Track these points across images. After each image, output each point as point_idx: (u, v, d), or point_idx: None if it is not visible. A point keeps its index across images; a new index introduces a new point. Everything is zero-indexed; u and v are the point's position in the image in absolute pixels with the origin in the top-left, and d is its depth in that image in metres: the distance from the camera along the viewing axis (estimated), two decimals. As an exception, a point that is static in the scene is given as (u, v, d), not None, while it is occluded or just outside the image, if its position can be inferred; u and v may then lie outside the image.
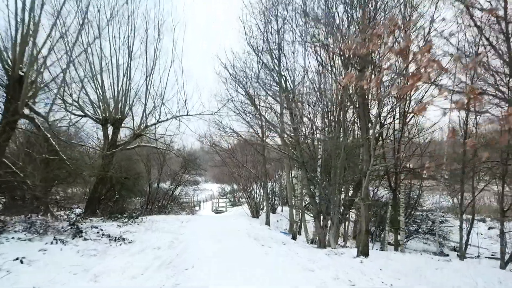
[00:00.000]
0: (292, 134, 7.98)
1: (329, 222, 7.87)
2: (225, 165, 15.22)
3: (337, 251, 6.43)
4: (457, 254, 16.23)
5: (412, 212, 15.17)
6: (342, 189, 7.68)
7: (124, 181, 14.29)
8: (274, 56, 8.11)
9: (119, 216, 9.99)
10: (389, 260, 5.62)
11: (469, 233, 12.71)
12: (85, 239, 6.01)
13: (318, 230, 7.65)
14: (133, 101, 10.51)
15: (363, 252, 5.77)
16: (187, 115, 9.43)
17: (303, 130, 8.52)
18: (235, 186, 26.07)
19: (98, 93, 9.62)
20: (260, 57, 7.72)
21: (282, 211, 18.50)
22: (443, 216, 17.95)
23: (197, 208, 25.26)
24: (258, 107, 9.96)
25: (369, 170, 5.56)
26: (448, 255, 15.94)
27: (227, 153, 14.71)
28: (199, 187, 45.85)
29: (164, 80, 10.33)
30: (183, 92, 8.69)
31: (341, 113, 7.82)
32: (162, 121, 9.85)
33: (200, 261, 4.86)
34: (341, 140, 7.30)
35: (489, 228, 21.63)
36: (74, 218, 9.26)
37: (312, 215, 7.76)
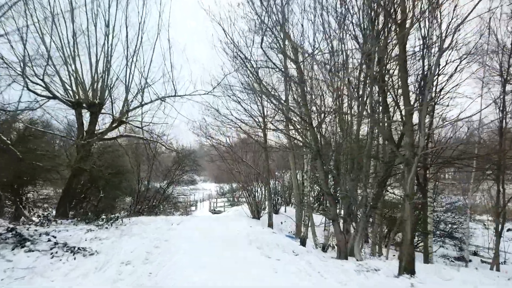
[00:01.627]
0: (302, 116, 6.36)
1: (352, 226, 6.28)
2: (223, 160, 13.62)
3: (367, 265, 4.85)
4: (481, 260, 14.75)
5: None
6: (369, 185, 6.10)
7: (109, 177, 12.73)
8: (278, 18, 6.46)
9: (95, 218, 8.39)
10: (446, 281, 4.04)
11: (499, 236, 11.13)
12: (30, 251, 4.42)
13: (338, 236, 6.07)
14: (113, 83, 8.89)
15: (408, 269, 4.19)
16: (175, 95, 7.82)
17: (320, 105, 6.89)
18: (234, 185, 24.51)
19: (70, 70, 8.01)
20: (261, 19, 6.07)
21: (285, 211, 16.92)
22: (461, 217, 16.36)
23: (193, 208, 23.65)
24: (259, 88, 8.32)
25: (418, 156, 3.98)
26: (470, 260, 14.43)
27: (225, 146, 13.11)
28: (197, 187, 44.42)
29: (149, 57, 8.71)
30: (170, 66, 7.19)
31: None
32: (146, 103, 8.25)
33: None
34: (379, 116, 5.67)
35: (508, 230, 20.13)
36: (40, 221, 7.75)
37: (329, 217, 6.17)
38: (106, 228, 7.29)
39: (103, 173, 11.53)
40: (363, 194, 5.82)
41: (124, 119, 9.19)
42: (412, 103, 4.83)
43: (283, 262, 4.90)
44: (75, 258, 4.34)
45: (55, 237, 5.05)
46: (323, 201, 16.49)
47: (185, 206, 16.22)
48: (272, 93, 7.09)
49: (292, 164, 11.13)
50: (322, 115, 6.67)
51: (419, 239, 10.98)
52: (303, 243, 8.51)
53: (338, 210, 6.16)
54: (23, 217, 9.63)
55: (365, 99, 6.12)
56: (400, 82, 4.69)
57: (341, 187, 6.07)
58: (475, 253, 15.70)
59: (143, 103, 8.15)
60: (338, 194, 6.27)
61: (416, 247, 11.11)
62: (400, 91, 5.04)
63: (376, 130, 6.12)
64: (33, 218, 9.15)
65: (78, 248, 4.85)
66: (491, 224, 15.74)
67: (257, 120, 12.62)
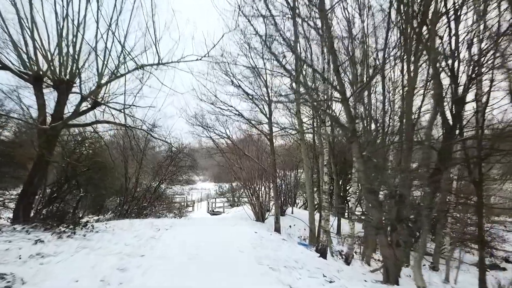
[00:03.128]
0: (333, 85, 4.58)
1: (400, 236, 4.51)
2: (222, 153, 11.85)
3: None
4: (517, 268, 12.99)
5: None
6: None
7: (91, 174, 10.97)
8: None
9: (59, 223, 6.61)
10: None
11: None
12: None
13: (384, 250, 4.31)
14: (88, 57, 7.11)
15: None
16: (158, 64, 6.04)
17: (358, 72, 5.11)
18: (234, 184, 22.72)
19: (25, 35, 6.24)
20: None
21: (292, 212, 15.13)
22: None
23: (189, 209, 21.86)
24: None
25: None
26: (505, 269, 12.69)
27: (223, 138, 11.35)
28: (196, 186, 42.66)
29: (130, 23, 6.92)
30: (153, 30, 5.51)
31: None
32: (122, 74, 6.45)
33: None
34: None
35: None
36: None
37: (372, 224, 4.40)
38: (69, 237, 5.52)
39: (80, 168, 9.77)
40: (423, 191, 4.07)
41: (100, 100, 7.42)
42: None
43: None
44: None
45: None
46: (333, 201, 14.72)
47: (178, 207, 14.43)
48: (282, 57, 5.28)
49: (305, 156, 9.35)
50: (361, 83, 4.90)
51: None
52: (322, 254, 6.73)
53: (386, 215, 4.42)
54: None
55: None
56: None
57: (386, 181, 4.32)
58: (507, 260, 13.93)
59: (118, 74, 6.35)
60: (385, 192, 4.53)
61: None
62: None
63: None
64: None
65: (-9, 276, 3.07)
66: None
67: (262, 108, 10.87)
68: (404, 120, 4.49)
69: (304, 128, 10.06)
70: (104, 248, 4.74)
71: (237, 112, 10.42)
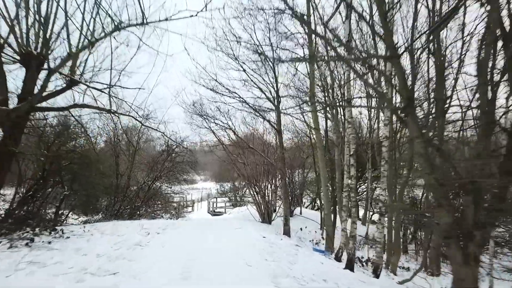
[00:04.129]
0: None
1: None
2: (223, 146, 10.58)
3: None
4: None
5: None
6: None
7: (78, 170, 9.75)
8: None
9: (22, 226, 5.36)
10: None
11: None
12: None
13: (459, 270, 3.00)
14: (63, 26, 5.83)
15: None
16: (143, 23, 4.76)
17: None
18: (236, 183, 21.43)
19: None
20: None
21: (301, 213, 13.83)
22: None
23: (189, 209, 20.58)
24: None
25: None
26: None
27: (226, 129, 10.06)
28: (197, 186, 41.40)
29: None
30: None
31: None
32: (97, 39, 5.17)
33: None
34: None
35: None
36: None
37: (444, 232, 3.16)
38: (27, 245, 4.25)
39: (61, 162, 8.53)
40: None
41: (78, 78, 6.16)
42: None
43: None
44: None
45: None
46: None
47: (175, 207, 13.14)
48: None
49: (319, 147, 8.03)
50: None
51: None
52: (348, 265, 5.43)
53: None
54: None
55: None
56: None
57: (463, 169, 3.04)
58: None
59: (92, 39, 5.07)
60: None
61: None
62: None
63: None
64: None
65: None
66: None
67: (269, 95, 9.57)
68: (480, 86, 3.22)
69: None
70: (62, 263, 3.47)
71: (240, 99, 9.13)
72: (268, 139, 11.77)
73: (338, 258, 6.86)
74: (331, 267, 5.22)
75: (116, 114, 7.22)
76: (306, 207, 18.57)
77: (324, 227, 8.82)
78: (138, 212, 11.25)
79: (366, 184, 14.48)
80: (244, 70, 9.37)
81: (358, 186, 14.01)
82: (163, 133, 7.55)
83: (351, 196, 5.77)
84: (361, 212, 16.81)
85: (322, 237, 11.30)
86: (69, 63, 5.96)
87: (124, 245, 4.92)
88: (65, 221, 9.94)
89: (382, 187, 6.12)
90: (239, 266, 4.01)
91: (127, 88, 6.80)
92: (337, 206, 9.72)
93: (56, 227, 5.45)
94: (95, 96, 6.72)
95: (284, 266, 4.18)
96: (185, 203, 20.92)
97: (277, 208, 11.78)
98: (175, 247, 5.12)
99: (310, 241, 10.20)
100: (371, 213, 13.45)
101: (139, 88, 6.88)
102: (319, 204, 19.98)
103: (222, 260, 4.34)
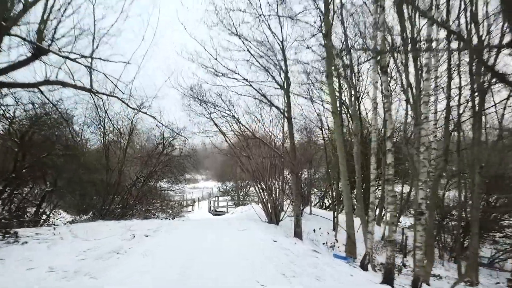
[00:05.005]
0: None
1: None
2: (224, 137, 9.40)
3: None
4: None
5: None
6: None
7: (64, 164, 8.67)
8: None
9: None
10: None
11: None
12: None
13: None
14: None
15: None
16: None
17: None
18: (240, 181, 20.25)
19: None
20: None
21: (310, 213, 12.62)
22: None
23: (189, 208, 19.42)
24: None
25: None
26: None
27: (228, 117, 8.86)
28: (198, 186, 40.26)
29: None
30: None
31: None
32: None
33: None
34: None
35: None
36: None
37: None
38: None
39: (38, 154, 7.40)
40: None
41: (47, 47, 5.01)
42: None
43: None
44: None
45: None
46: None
47: (172, 206, 11.94)
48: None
49: (338, 133, 6.79)
50: None
51: None
52: (387, 279, 4.23)
53: None
54: None
55: None
56: None
57: None
58: None
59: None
60: None
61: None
62: None
63: None
64: None
65: None
66: None
67: (277, 78, 8.37)
68: None
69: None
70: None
71: (244, 81, 7.94)
72: (275, 132, 10.56)
73: (364, 267, 5.66)
74: (365, 282, 4.02)
75: (98, 95, 6.03)
76: (314, 206, 17.36)
77: (344, 229, 7.60)
78: (131, 212, 10.10)
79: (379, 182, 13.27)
80: (248, 50, 8.19)
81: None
82: (154, 117, 6.37)
83: (389, 191, 4.56)
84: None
85: (336, 240, 10.08)
86: (35, 28, 4.82)
87: (94, 253, 3.75)
88: (47, 222, 8.84)
89: (420, 185, 4.91)
90: None
91: (112, 61, 5.63)
92: (355, 205, 8.49)
93: (10, 230, 4.27)
94: (72, 71, 5.55)
95: (312, 286, 2.98)
96: (185, 202, 19.78)
97: (285, 207, 10.58)
98: (162, 257, 3.94)
99: (323, 244, 8.99)
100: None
101: (126, 63, 5.72)
102: (327, 203, 18.78)
103: (227, 279, 3.15)
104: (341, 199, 12.20)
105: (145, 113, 6.45)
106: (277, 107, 8.23)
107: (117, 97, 6.26)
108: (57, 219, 8.81)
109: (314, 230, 9.36)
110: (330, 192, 18.12)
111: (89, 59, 5.49)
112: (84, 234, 5.15)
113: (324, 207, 17.92)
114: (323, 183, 15.91)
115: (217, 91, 9.04)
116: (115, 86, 6.00)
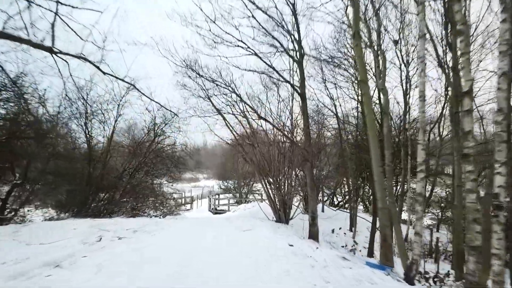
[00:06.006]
0: None
1: None
2: (225, 121, 8.00)
3: None
4: None
5: None
6: None
7: (36, 152, 7.42)
8: None
9: None
10: None
11: None
12: None
13: None
14: None
15: None
16: None
17: None
18: (242, 175, 18.86)
19: None
20: None
21: (323, 210, 11.21)
22: None
23: (187, 206, 18.03)
24: None
25: None
26: None
27: (231, 93, 7.45)
28: (199, 184, 38.95)
29: None
30: None
31: None
32: None
33: None
34: None
35: None
36: None
37: None
38: None
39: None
40: None
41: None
42: None
43: None
44: None
45: None
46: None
47: (166, 203, 10.52)
48: None
49: (368, 100, 5.32)
50: None
51: None
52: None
53: None
54: None
55: None
56: None
57: None
58: None
59: None
60: None
61: None
62: None
63: None
64: None
65: None
66: None
67: (288, 47, 6.96)
68: None
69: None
70: None
71: (249, 50, 6.53)
72: (283, 118, 9.11)
73: (409, 279, 4.26)
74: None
75: (61, 55, 4.66)
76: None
77: (377, 228, 6.19)
78: (119, 208, 8.72)
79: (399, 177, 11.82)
80: (253, 16, 6.78)
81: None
82: (133, 85, 4.98)
83: (468, 172, 3.14)
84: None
85: (355, 241, 8.67)
86: None
87: (17, 267, 2.36)
88: (13, 219, 7.49)
89: (497, 167, 3.49)
90: None
91: (83, 9, 4.30)
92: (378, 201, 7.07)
93: None
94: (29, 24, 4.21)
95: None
96: (183, 199, 18.40)
97: (295, 204, 9.19)
98: (124, 273, 2.54)
99: (342, 247, 7.58)
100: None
101: (99, 12, 4.38)
102: (336, 201, 17.34)
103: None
104: (354, 194, 10.78)
105: (122, 79, 5.04)
106: (288, 82, 6.81)
107: (86, 59, 4.91)
108: (24, 218, 7.43)
109: (333, 231, 7.95)
110: (341, 187, 16.72)
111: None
112: (33, 236, 3.78)
113: (333, 204, 16.48)
114: (333, 179, 14.44)
115: (216, 66, 7.66)
116: (80, 38, 4.67)
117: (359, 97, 9.42)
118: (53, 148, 7.83)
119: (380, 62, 6.29)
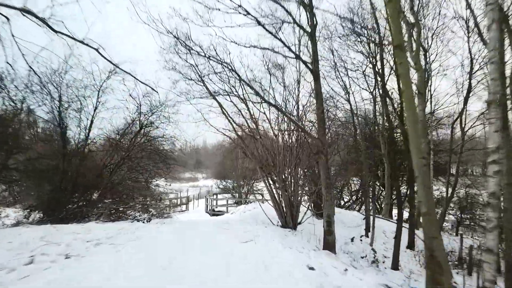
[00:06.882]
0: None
1: None
2: (221, 107, 6.71)
3: None
4: None
5: None
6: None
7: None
8: None
9: None
10: None
11: None
12: None
13: None
14: None
15: None
16: None
17: None
18: (241, 173, 17.57)
19: None
20: None
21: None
22: None
23: (183, 207, 16.72)
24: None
25: None
26: None
27: (228, 71, 6.18)
28: (198, 184, 37.70)
29: None
30: None
31: None
32: None
33: None
34: None
35: None
36: None
37: None
38: None
39: None
40: None
41: None
42: None
43: None
44: None
45: None
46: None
47: (155, 204, 9.21)
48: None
49: (405, 71, 4.09)
50: None
51: None
52: None
53: None
54: None
55: None
56: None
57: None
58: None
59: None
60: None
61: None
62: None
63: None
64: None
65: None
66: None
67: (296, 17, 5.68)
68: None
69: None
70: None
71: (250, 17, 5.26)
72: (289, 107, 7.82)
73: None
74: None
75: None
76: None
77: (423, 239, 4.91)
78: (94, 210, 7.43)
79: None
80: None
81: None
82: (97, 49, 3.71)
83: None
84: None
85: (373, 249, 7.39)
86: None
87: None
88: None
89: None
90: None
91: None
92: (416, 202, 5.80)
93: None
94: None
95: None
96: (178, 200, 17.10)
97: (304, 205, 7.91)
98: None
99: (362, 258, 6.30)
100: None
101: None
102: (342, 202, 16.08)
103: None
104: (371, 193, 9.52)
105: (87, 44, 3.75)
106: (298, 56, 5.52)
107: (31, 12, 3.65)
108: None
109: (352, 239, 6.66)
110: (348, 186, 15.45)
111: None
112: None
113: (340, 205, 15.20)
114: (342, 177, 13.15)
115: (211, 42, 6.38)
116: None
117: (378, 82, 8.14)
118: (15, 140, 6.58)
119: (414, 31, 5.03)
